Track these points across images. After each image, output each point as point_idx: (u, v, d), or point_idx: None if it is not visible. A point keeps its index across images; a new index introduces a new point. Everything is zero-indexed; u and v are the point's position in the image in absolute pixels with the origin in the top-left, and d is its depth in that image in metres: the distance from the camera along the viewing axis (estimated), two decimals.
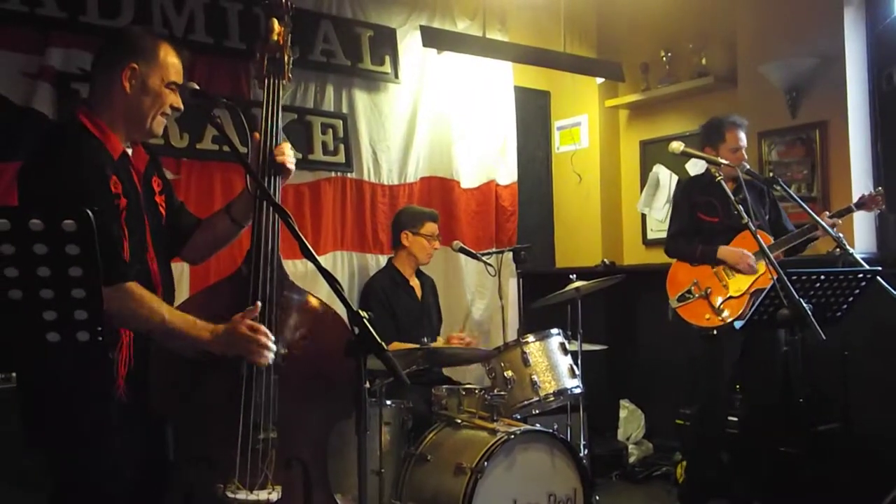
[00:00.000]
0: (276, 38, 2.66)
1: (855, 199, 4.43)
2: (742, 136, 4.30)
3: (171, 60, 2.43)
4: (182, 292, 3.74)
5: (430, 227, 4.54)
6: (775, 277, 3.13)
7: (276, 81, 2.66)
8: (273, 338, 2.34)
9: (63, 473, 2.33)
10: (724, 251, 4.21)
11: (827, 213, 4.22)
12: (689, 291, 4.27)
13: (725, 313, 4.15)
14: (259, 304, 2.38)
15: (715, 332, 4.18)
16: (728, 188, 3.81)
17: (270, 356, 2.33)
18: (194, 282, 4.16)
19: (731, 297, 4.18)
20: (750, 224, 3.44)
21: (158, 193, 2.55)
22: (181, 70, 2.47)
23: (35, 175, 2.29)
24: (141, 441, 2.36)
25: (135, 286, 2.26)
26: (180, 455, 2.45)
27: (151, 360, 2.35)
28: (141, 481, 2.36)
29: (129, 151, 2.44)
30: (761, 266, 4.12)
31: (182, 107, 2.47)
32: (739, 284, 4.18)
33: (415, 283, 4.59)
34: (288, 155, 2.60)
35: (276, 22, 2.68)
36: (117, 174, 2.31)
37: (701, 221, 4.33)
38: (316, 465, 2.55)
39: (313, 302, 2.63)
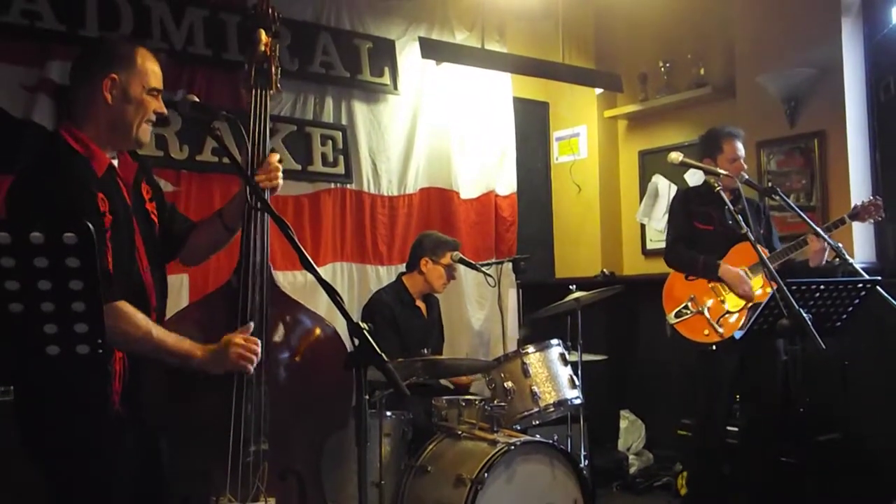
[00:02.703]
0: (263, 48, 2.67)
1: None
2: (740, 146, 4.27)
3: (149, 66, 2.40)
4: (182, 302, 3.75)
5: (450, 258, 4.44)
6: (775, 287, 3.12)
7: (264, 92, 2.66)
8: (260, 347, 2.35)
9: (59, 485, 2.31)
10: (725, 270, 4.13)
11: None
12: (686, 307, 4.22)
13: (724, 329, 4.12)
14: (252, 324, 2.39)
15: (714, 347, 4.15)
16: (727, 198, 3.80)
17: (252, 367, 2.34)
18: (193, 292, 4.16)
19: (728, 313, 4.15)
20: (749, 234, 3.43)
21: (149, 200, 2.52)
22: (161, 75, 2.44)
23: (22, 194, 2.25)
24: (137, 453, 2.35)
25: (123, 304, 2.24)
26: (175, 467, 2.44)
27: (145, 374, 2.35)
28: (137, 493, 2.35)
29: (115, 162, 2.41)
30: (759, 280, 4.11)
31: (166, 112, 2.44)
32: (737, 300, 4.15)
33: (420, 304, 4.51)
34: (275, 171, 2.57)
35: (263, 33, 2.68)
36: (103, 190, 2.28)
37: (696, 230, 4.31)
38: (311, 476, 2.55)
39: (305, 313, 2.62)
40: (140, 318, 2.26)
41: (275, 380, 2.46)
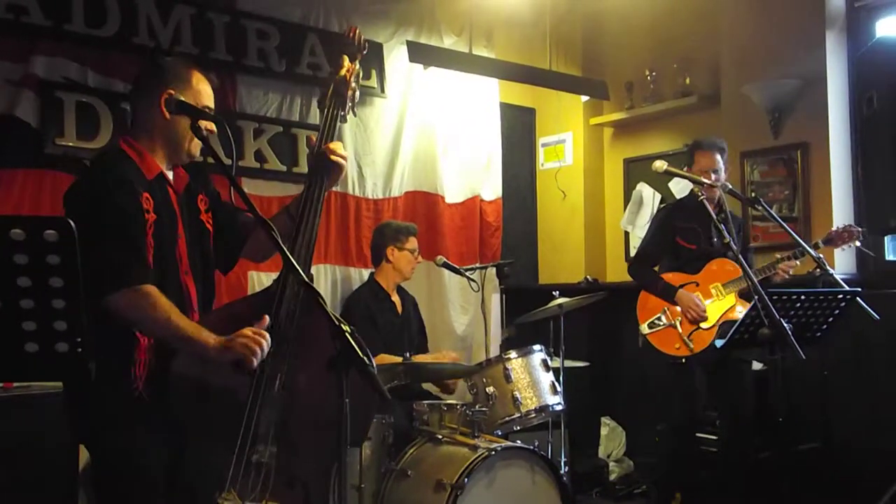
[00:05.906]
0: (344, 73, 2.73)
1: (835, 220, 4.44)
2: (717, 158, 4.22)
3: (203, 87, 2.55)
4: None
5: (413, 242, 4.60)
6: (756, 297, 3.15)
7: (335, 113, 2.72)
8: (269, 342, 2.33)
9: (98, 468, 2.47)
10: (681, 296, 4.19)
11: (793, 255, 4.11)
12: (658, 318, 4.26)
13: (695, 344, 4.14)
14: (267, 318, 2.40)
15: (683, 360, 4.18)
16: (711, 209, 3.81)
17: (256, 361, 2.32)
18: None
19: (699, 329, 4.18)
20: (732, 244, 3.43)
21: (204, 211, 2.64)
22: (212, 94, 2.59)
23: (74, 194, 2.43)
24: (165, 440, 2.41)
25: (152, 289, 2.31)
26: (188, 458, 2.45)
27: (170, 364, 2.39)
28: (168, 479, 2.42)
29: (171, 175, 2.55)
30: (731, 297, 4.15)
31: (215, 130, 2.54)
32: (709, 315, 4.17)
33: (396, 298, 4.61)
34: (341, 152, 2.65)
35: (346, 59, 2.76)
36: (150, 192, 2.42)
37: (679, 247, 4.33)
38: (318, 489, 2.53)
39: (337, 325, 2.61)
40: (165, 303, 2.32)
41: (296, 388, 2.45)
